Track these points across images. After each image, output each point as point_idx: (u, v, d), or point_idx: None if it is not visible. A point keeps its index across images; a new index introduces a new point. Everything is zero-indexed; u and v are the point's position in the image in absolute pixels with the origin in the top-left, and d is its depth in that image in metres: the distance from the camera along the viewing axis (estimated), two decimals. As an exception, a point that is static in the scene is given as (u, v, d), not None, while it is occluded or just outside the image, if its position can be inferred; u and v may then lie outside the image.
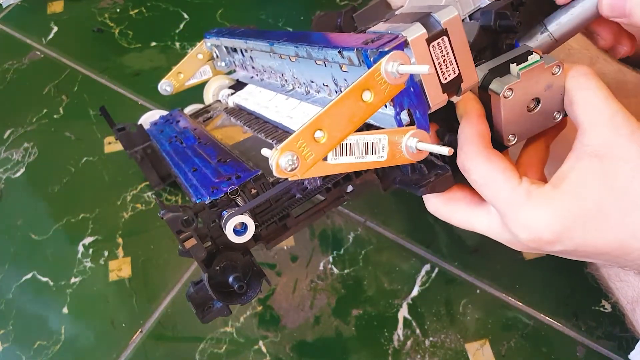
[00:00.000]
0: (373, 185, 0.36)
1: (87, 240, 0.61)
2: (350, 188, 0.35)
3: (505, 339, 0.52)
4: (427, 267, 0.56)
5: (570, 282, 0.54)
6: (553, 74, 0.28)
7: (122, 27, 0.82)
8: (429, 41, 0.26)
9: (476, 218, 0.30)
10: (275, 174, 0.24)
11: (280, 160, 0.24)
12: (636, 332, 0.43)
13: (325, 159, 0.25)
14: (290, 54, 0.38)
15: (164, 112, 0.59)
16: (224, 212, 0.31)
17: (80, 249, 0.60)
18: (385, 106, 0.30)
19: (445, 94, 0.27)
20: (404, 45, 0.25)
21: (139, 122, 0.59)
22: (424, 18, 0.26)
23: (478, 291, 0.55)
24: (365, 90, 0.25)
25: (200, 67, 0.59)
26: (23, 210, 0.64)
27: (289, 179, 0.24)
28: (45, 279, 0.58)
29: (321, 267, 0.57)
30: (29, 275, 0.59)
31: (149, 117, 0.60)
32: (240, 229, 0.30)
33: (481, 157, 0.27)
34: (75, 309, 0.56)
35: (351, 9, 0.44)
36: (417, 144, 0.27)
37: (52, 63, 0.79)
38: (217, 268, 0.32)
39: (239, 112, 0.52)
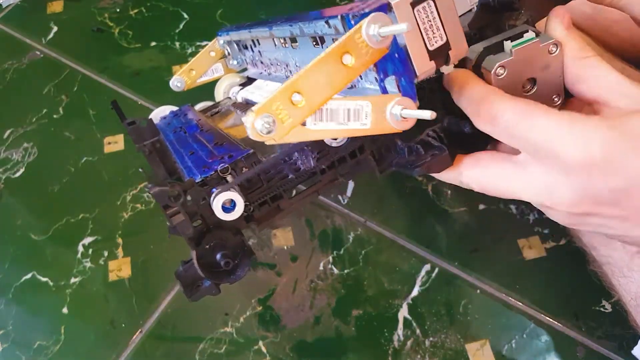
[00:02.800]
0: (369, 167, 0.35)
1: (87, 240, 0.61)
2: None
3: (505, 339, 0.52)
4: (427, 267, 0.56)
5: (570, 282, 0.54)
6: (550, 53, 0.27)
7: (122, 27, 0.82)
8: (413, 5, 0.25)
9: (514, 176, 0.28)
10: (250, 136, 0.23)
11: (255, 123, 0.23)
12: (639, 329, 0.43)
13: (304, 124, 0.25)
14: (287, 35, 0.37)
15: (175, 108, 0.59)
16: (214, 189, 0.30)
17: (80, 249, 0.60)
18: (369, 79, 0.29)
19: (433, 62, 0.27)
20: (387, 8, 0.25)
21: (150, 117, 0.59)
22: None
23: (478, 291, 0.54)
24: (346, 54, 0.24)
25: (212, 64, 0.59)
26: (22, 210, 0.64)
27: (266, 143, 0.24)
28: (44, 279, 0.58)
29: (321, 267, 0.57)
30: (29, 276, 0.59)
31: (160, 112, 0.59)
32: (229, 206, 0.30)
33: (506, 96, 0.27)
34: (75, 309, 0.56)
35: None
36: (401, 111, 0.26)
37: (52, 63, 0.79)
38: (207, 247, 0.31)
39: (245, 105, 0.52)
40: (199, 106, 0.59)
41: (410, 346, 0.52)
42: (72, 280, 0.58)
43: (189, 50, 0.78)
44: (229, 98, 0.58)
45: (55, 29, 0.83)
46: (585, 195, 0.25)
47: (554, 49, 0.27)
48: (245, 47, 0.54)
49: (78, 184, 0.66)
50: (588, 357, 0.50)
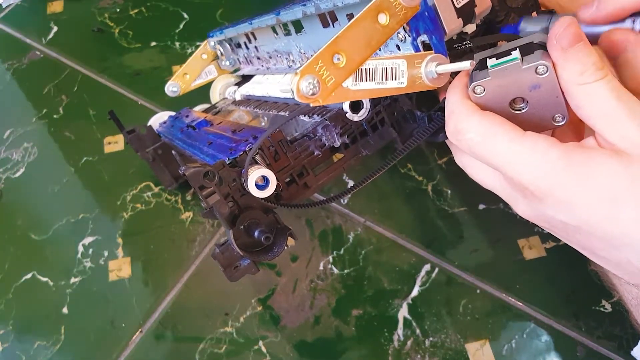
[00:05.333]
0: (390, 138, 0.35)
1: (87, 240, 0.61)
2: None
3: (505, 339, 0.52)
4: (427, 267, 0.56)
5: (570, 282, 0.54)
6: (538, 74, 0.25)
7: (122, 27, 0.82)
8: None
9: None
10: (296, 98, 0.24)
11: (300, 84, 0.23)
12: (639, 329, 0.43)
13: (345, 84, 0.26)
14: (298, 17, 0.38)
15: (173, 113, 0.59)
16: (243, 170, 0.31)
17: (80, 249, 0.60)
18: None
19: (460, 19, 0.28)
20: None
21: (149, 124, 0.59)
22: None
23: (478, 291, 0.54)
24: (381, 13, 0.25)
25: (205, 67, 0.59)
26: (23, 210, 0.64)
27: (311, 105, 0.25)
28: (45, 279, 0.58)
29: (321, 267, 0.57)
30: (29, 275, 0.59)
31: (158, 119, 0.59)
32: (262, 183, 0.30)
33: (476, 114, 0.26)
34: (75, 309, 0.56)
35: None
36: (436, 67, 0.27)
37: (52, 63, 0.79)
38: (241, 227, 0.31)
39: (247, 101, 0.52)
40: (197, 109, 0.60)
41: (410, 346, 0.52)
42: (72, 280, 0.58)
43: (189, 50, 0.78)
44: (226, 98, 0.58)
45: (55, 29, 0.83)
46: (539, 217, 0.27)
47: (543, 70, 0.25)
48: (239, 46, 0.54)
49: (78, 184, 0.66)
50: (588, 356, 0.50)
